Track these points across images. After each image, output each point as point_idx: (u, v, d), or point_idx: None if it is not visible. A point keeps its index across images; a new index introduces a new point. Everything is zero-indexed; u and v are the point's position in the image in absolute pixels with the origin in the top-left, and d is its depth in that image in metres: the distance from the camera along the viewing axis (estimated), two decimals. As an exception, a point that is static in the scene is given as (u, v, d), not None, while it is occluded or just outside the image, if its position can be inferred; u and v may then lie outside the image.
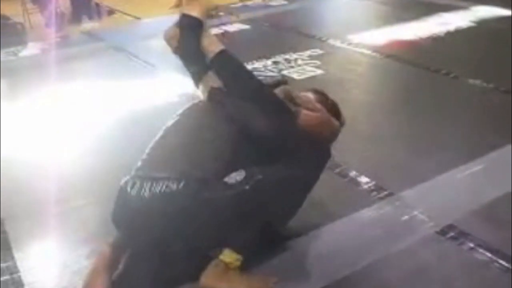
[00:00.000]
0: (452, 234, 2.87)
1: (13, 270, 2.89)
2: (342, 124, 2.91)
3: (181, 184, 2.46)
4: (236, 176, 2.50)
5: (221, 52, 2.72)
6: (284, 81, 3.01)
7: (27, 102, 5.34)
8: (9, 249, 3.06)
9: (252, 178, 2.48)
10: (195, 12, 2.80)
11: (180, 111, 2.84)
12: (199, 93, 2.90)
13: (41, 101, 5.28)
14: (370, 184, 3.38)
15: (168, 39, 2.90)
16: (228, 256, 2.53)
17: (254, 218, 2.50)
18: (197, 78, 2.88)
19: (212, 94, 2.79)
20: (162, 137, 2.74)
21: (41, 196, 3.50)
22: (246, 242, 2.55)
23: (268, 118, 2.64)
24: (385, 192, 3.27)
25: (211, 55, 2.73)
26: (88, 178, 3.73)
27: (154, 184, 2.49)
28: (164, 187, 2.47)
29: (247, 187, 2.46)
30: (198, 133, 2.69)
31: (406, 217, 3.03)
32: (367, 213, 3.09)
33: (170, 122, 2.80)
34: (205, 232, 2.48)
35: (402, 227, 2.95)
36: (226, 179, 2.50)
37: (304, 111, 2.71)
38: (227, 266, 2.53)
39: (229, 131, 2.66)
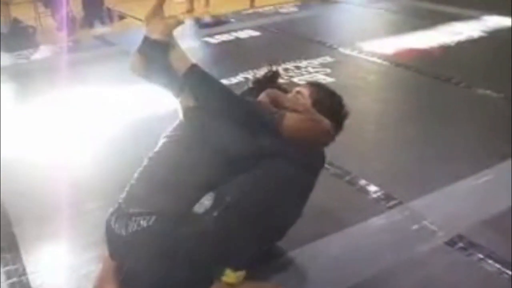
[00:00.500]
0: (461, 244, 2.86)
1: (21, 272, 2.90)
2: (339, 122, 2.73)
3: (151, 221, 2.42)
4: (205, 201, 2.44)
5: (191, 68, 2.57)
6: (276, 74, 2.90)
7: (37, 105, 5.36)
8: (17, 251, 3.07)
9: (220, 203, 2.41)
10: (157, 34, 2.60)
11: (167, 131, 2.74)
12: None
13: (52, 104, 5.30)
14: (379, 193, 3.38)
15: (134, 69, 2.70)
16: (230, 276, 2.46)
17: (237, 240, 2.42)
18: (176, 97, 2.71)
19: (187, 114, 2.65)
20: (145, 167, 2.65)
21: (50, 199, 3.51)
22: (240, 263, 2.46)
23: (244, 136, 2.49)
24: (394, 201, 3.26)
25: (181, 72, 2.57)
26: (98, 182, 3.74)
27: (129, 221, 2.46)
28: (135, 225, 2.44)
29: (215, 213, 2.39)
30: (176, 160, 2.59)
31: (415, 226, 3.02)
32: (376, 222, 3.08)
33: (155, 148, 2.70)
34: (189, 265, 2.41)
35: (411, 236, 2.94)
36: (197, 207, 2.44)
37: (288, 114, 2.52)
38: (231, 285, 2.47)
39: (206, 154, 2.55)
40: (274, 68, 2.91)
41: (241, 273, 2.47)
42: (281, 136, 2.48)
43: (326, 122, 2.61)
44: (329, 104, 2.72)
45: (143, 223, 2.43)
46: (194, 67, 2.58)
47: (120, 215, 2.51)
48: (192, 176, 2.53)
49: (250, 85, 2.89)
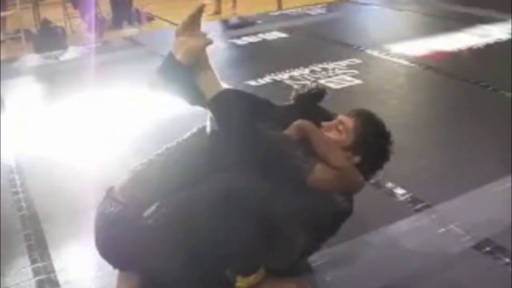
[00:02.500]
0: (488, 248, 2.84)
1: (49, 269, 2.94)
2: (380, 164, 2.57)
3: (117, 209, 2.47)
4: (153, 207, 2.42)
5: (219, 95, 2.40)
6: (321, 93, 2.68)
7: (65, 105, 5.41)
8: (45, 248, 3.11)
9: (156, 212, 2.39)
10: (182, 54, 2.51)
11: (186, 135, 2.73)
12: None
13: (79, 105, 5.35)
14: (406, 196, 3.36)
15: (153, 86, 2.71)
16: (244, 281, 2.44)
17: (160, 251, 2.37)
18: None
19: (212, 137, 2.54)
20: (151, 159, 2.68)
21: (78, 198, 3.54)
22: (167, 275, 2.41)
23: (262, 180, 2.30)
24: (422, 204, 3.24)
25: (207, 96, 2.44)
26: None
27: (108, 205, 2.52)
28: (110, 208, 2.50)
29: (149, 221, 2.38)
30: (181, 162, 2.55)
31: (442, 230, 3.00)
32: (402, 225, 3.07)
33: (169, 144, 2.70)
34: (141, 260, 2.43)
35: (438, 240, 2.93)
36: (147, 211, 2.43)
37: (319, 168, 2.29)
38: None
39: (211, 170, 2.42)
40: (319, 85, 2.73)
41: (256, 276, 2.46)
42: (304, 185, 2.29)
43: (360, 180, 2.44)
44: (375, 143, 2.51)
45: (113, 209, 2.49)
46: (221, 95, 2.41)
47: (109, 197, 2.59)
48: (185, 179, 2.47)
49: (292, 99, 2.72)
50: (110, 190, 2.62)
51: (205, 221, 2.29)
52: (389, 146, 2.56)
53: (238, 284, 2.43)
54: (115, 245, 2.47)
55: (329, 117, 2.58)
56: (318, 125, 2.47)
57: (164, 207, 2.39)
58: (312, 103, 2.68)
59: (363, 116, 2.55)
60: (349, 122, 2.49)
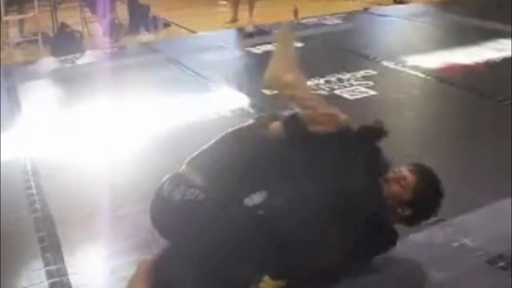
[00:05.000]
0: (501, 264, 2.82)
1: (63, 272, 2.95)
2: (428, 217, 2.81)
3: (207, 197, 2.50)
4: (255, 198, 2.50)
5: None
6: (382, 132, 2.69)
7: (81, 109, 5.44)
8: (59, 251, 3.13)
9: (269, 203, 2.46)
10: (318, 126, 2.57)
11: (248, 122, 2.81)
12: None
13: (95, 109, 5.38)
14: (420, 209, 3.34)
15: (273, 133, 2.69)
16: (269, 284, 2.50)
17: (271, 243, 2.43)
18: None
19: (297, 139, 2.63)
20: (215, 143, 2.73)
21: (92, 203, 3.56)
22: (280, 269, 2.49)
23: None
24: (436, 218, 3.21)
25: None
26: (138, 187, 3.78)
27: (187, 190, 2.54)
28: (193, 195, 2.52)
29: (261, 212, 2.46)
30: (245, 152, 2.64)
31: (456, 244, 2.99)
32: (416, 238, 3.05)
33: (230, 129, 2.78)
34: (226, 251, 2.44)
35: (452, 254, 2.91)
36: (247, 200, 2.50)
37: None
38: None
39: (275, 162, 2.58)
40: (381, 123, 2.74)
41: (279, 283, 2.48)
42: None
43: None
44: (429, 201, 2.73)
45: (200, 196, 2.51)
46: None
47: (179, 183, 2.60)
48: (252, 171, 2.57)
49: (355, 130, 2.73)
50: (176, 177, 2.67)
51: (315, 223, 2.45)
52: (441, 201, 2.74)
53: (262, 285, 2.49)
54: (207, 232, 2.47)
55: (386, 166, 2.73)
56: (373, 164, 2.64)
57: (276, 199, 2.48)
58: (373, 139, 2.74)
59: (424, 174, 2.74)
60: (411, 179, 2.68)
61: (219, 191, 2.52)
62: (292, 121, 2.64)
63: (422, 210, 2.72)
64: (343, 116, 2.63)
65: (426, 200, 2.70)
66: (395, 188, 2.67)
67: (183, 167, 2.72)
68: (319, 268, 2.53)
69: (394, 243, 2.73)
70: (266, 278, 2.53)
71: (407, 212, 2.69)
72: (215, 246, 2.44)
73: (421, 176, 2.71)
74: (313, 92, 2.77)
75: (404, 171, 2.71)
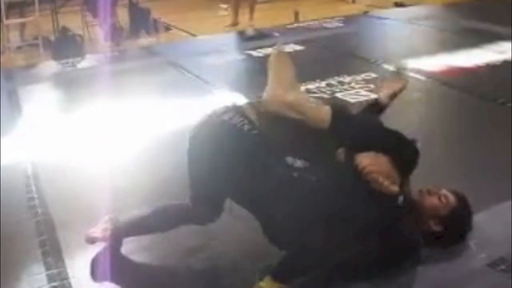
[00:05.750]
0: (503, 267, 2.82)
1: (63, 276, 2.95)
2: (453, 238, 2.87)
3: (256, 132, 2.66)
4: (295, 162, 2.59)
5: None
6: (412, 164, 2.81)
7: (81, 112, 5.45)
8: (60, 255, 3.12)
9: (305, 172, 2.57)
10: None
11: None
12: None
13: (95, 112, 5.38)
14: (421, 212, 3.34)
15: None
16: (268, 283, 2.55)
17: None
18: None
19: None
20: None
21: (94, 206, 3.55)
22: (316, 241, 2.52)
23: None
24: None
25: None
26: (139, 190, 3.79)
27: (239, 119, 2.70)
28: (243, 126, 2.66)
29: (295, 174, 2.56)
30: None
31: (457, 247, 2.98)
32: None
33: None
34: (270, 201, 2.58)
35: (453, 257, 2.90)
36: (288, 158, 2.59)
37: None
38: None
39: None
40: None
41: (280, 286, 2.50)
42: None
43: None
44: (461, 226, 2.84)
45: (247, 127, 2.67)
46: None
47: (243, 117, 2.73)
48: (301, 138, 2.69)
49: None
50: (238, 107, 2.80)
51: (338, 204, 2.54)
52: (468, 233, 2.87)
53: (262, 284, 2.55)
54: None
55: (430, 192, 2.83)
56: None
57: (311, 173, 2.57)
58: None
59: (464, 201, 2.85)
60: (452, 199, 2.79)
61: (266, 137, 2.64)
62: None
63: (452, 231, 2.79)
64: None
65: (458, 223, 2.81)
66: (433, 200, 2.77)
67: (245, 104, 2.85)
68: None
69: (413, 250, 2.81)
70: (266, 278, 2.54)
71: (438, 228, 2.75)
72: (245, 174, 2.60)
73: (461, 201, 2.82)
74: (318, 105, 2.76)
75: (446, 191, 2.82)
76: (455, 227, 2.79)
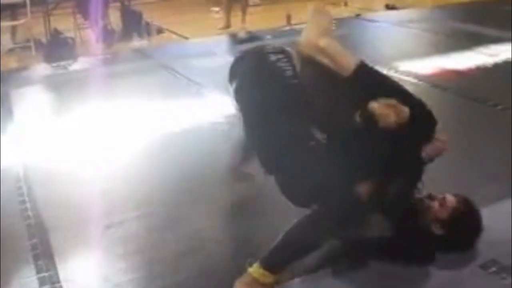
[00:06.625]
0: (494, 269, 2.83)
1: (55, 279, 2.94)
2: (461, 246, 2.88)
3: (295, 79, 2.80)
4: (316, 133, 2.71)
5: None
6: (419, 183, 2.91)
7: (73, 116, 5.43)
8: (51, 258, 3.11)
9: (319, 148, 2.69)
10: None
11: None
12: None
13: (87, 116, 5.37)
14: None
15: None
16: (256, 271, 2.63)
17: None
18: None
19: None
20: None
21: (85, 209, 3.55)
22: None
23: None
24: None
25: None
26: (131, 194, 3.78)
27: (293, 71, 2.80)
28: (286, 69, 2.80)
29: (312, 143, 2.70)
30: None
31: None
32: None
33: None
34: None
35: (445, 259, 2.91)
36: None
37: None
38: (256, 280, 2.62)
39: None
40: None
41: (267, 274, 2.62)
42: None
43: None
44: (465, 228, 2.82)
45: (289, 72, 2.82)
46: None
47: (283, 54, 2.90)
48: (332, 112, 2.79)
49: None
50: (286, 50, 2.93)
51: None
52: (476, 240, 2.86)
53: (250, 269, 2.64)
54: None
55: (432, 197, 2.90)
56: None
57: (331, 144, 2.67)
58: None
59: (466, 204, 2.86)
60: (451, 201, 2.83)
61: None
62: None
63: (455, 235, 2.79)
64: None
65: (461, 226, 2.79)
66: (434, 204, 2.81)
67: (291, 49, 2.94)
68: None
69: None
70: (256, 264, 2.63)
71: (440, 231, 2.78)
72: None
73: (463, 204, 2.84)
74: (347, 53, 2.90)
75: (449, 195, 2.85)
76: (458, 230, 2.79)
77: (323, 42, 2.81)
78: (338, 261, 2.88)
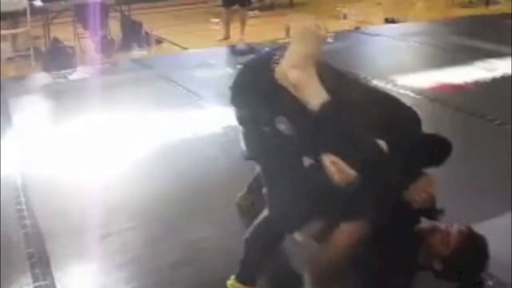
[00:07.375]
0: (490, 283, 2.84)
1: (51, 288, 2.94)
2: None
3: None
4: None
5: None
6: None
7: (72, 125, 5.44)
8: (48, 267, 3.11)
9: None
10: None
11: None
12: None
13: (86, 125, 5.37)
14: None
15: None
16: (233, 284, 2.70)
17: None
18: None
19: None
20: None
21: (83, 219, 3.55)
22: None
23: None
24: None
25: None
26: (129, 204, 3.78)
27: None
28: None
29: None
30: None
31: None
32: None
33: None
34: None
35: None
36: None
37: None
38: None
39: None
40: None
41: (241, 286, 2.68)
42: None
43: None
44: (468, 266, 2.68)
45: None
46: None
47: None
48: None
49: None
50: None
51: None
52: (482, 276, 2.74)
53: (228, 282, 2.69)
54: None
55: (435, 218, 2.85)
56: None
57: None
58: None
59: (473, 239, 2.70)
60: (454, 237, 2.67)
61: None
62: None
63: (456, 272, 2.68)
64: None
65: (461, 265, 2.65)
66: (435, 239, 2.67)
67: None
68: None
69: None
70: (233, 277, 2.70)
71: (439, 267, 2.65)
72: None
73: (467, 239, 2.68)
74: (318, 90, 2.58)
75: (454, 228, 2.70)
76: (458, 268, 2.66)
77: (293, 75, 2.53)
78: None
